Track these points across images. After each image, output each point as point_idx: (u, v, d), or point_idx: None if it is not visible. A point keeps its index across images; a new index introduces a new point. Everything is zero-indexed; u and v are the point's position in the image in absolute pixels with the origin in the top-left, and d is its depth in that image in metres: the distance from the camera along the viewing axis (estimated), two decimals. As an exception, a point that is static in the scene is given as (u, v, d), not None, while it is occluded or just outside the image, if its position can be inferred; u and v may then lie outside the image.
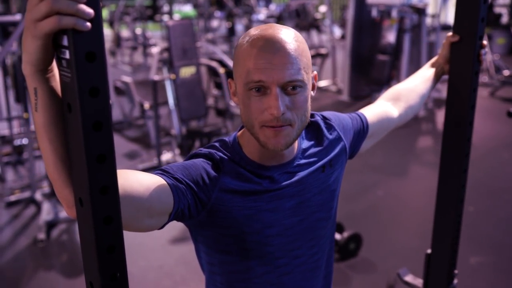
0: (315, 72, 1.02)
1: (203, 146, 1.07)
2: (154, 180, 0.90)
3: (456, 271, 1.55)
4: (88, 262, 0.77)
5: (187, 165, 0.99)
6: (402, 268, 1.71)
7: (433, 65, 1.44)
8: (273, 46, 0.91)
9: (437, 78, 1.43)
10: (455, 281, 1.55)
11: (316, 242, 1.13)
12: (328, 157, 1.12)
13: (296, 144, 1.06)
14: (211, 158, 1.01)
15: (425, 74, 1.42)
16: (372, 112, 1.29)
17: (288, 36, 0.94)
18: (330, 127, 1.16)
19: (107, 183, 0.71)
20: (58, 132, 0.71)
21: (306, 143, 1.11)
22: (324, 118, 1.17)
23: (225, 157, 1.02)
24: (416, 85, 1.39)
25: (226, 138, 1.07)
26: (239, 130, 1.08)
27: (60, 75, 0.68)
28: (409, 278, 1.67)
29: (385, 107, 1.32)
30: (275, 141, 0.94)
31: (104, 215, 0.72)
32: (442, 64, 1.41)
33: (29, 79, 0.69)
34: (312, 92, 1.01)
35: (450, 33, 1.36)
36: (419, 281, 1.64)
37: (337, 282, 2.93)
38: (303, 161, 1.07)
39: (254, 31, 0.96)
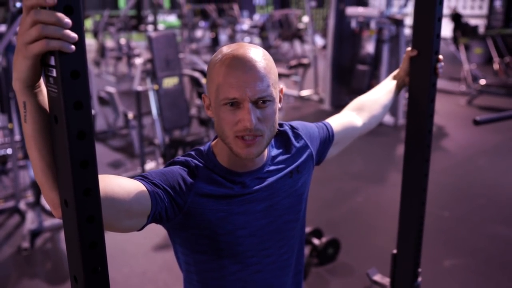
0: (281, 87, 1.12)
1: (180, 155, 1.16)
2: (133, 184, 0.98)
3: (420, 270, 1.65)
4: (72, 257, 0.85)
5: (165, 171, 1.07)
6: (371, 268, 1.81)
7: (394, 78, 1.55)
8: (244, 65, 1.00)
9: (398, 90, 1.55)
10: (419, 279, 1.65)
11: (285, 242, 1.22)
12: (296, 164, 1.21)
13: (266, 152, 1.15)
14: (187, 165, 1.10)
15: (387, 86, 1.53)
16: (337, 121, 1.40)
17: (258, 55, 1.03)
18: (297, 136, 1.25)
19: (90, 186, 0.80)
20: (45, 141, 0.80)
21: (275, 151, 1.20)
22: (292, 128, 1.26)
23: (200, 164, 1.11)
24: (379, 96, 1.50)
25: (201, 148, 1.17)
26: (213, 140, 1.17)
27: (48, 90, 0.77)
28: (377, 277, 1.77)
29: (349, 117, 1.43)
30: (247, 151, 1.04)
31: (87, 215, 0.81)
32: (403, 76, 1.53)
33: (19, 94, 0.78)
34: (279, 104, 1.10)
35: (409, 48, 1.48)
36: (387, 280, 1.74)
37: (316, 286, 3.03)
38: (272, 167, 1.16)
39: (225, 50, 1.04)
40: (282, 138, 1.23)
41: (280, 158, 1.20)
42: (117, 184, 0.95)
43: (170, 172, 1.07)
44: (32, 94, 0.78)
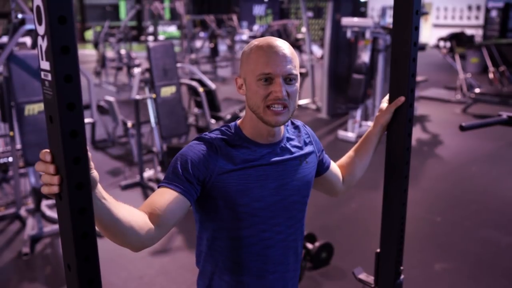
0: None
1: (210, 131, 1.37)
2: (172, 201, 1.20)
3: (402, 268, 1.72)
4: (66, 246, 0.93)
5: (192, 158, 1.26)
6: (357, 267, 1.88)
7: (371, 133, 1.61)
8: (276, 49, 1.25)
9: (378, 140, 1.63)
10: (402, 276, 1.72)
11: (293, 223, 1.39)
12: (304, 152, 1.42)
13: (283, 130, 1.38)
14: (211, 144, 1.29)
15: (367, 147, 1.63)
16: (334, 166, 1.60)
17: (284, 44, 1.29)
18: (307, 133, 1.48)
19: (82, 180, 0.88)
20: (105, 226, 1.04)
21: (290, 134, 1.42)
22: (304, 126, 1.50)
23: (224, 142, 1.30)
24: (357, 163, 1.64)
25: (229, 124, 1.38)
26: (238, 120, 1.39)
27: (44, 93, 0.85)
28: (362, 276, 1.83)
29: (339, 176, 1.62)
30: (276, 119, 1.26)
31: (79, 207, 0.89)
32: (384, 125, 1.57)
33: None
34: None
35: (385, 103, 1.55)
36: (371, 278, 1.81)
37: (309, 289, 3.09)
38: (287, 145, 1.38)
39: (257, 41, 1.29)
40: (296, 129, 1.46)
41: (293, 142, 1.41)
42: (161, 212, 1.18)
43: (197, 157, 1.26)
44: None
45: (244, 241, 1.33)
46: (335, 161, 1.65)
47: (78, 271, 0.92)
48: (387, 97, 1.58)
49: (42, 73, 0.84)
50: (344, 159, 1.66)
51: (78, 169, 0.87)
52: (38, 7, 0.80)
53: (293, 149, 1.39)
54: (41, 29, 0.81)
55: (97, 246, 0.94)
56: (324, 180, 1.56)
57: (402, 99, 1.50)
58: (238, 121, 1.38)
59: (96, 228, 1.02)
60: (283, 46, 1.27)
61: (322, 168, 1.53)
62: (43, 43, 0.82)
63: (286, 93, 1.24)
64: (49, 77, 0.82)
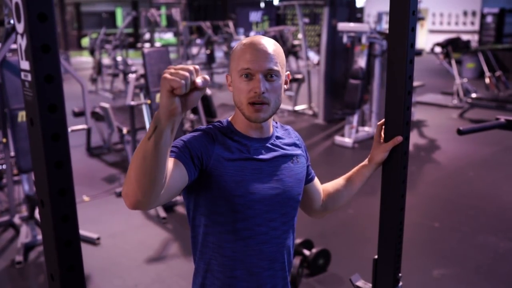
0: (288, 72, 1.37)
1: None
2: (173, 168, 1.16)
3: (400, 274, 1.68)
4: (49, 255, 0.89)
5: (191, 140, 1.26)
6: (354, 274, 1.84)
7: (365, 169, 1.59)
8: (258, 45, 1.28)
9: (370, 175, 1.60)
10: (400, 283, 1.68)
11: (287, 220, 1.39)
12: (296, 153, 1.44)
13: (271, 127, 1.40)
14: (207, 132, 1.32)
15: (356, 179, 1.60)
16: (318, 183, 1.59)
17: (268, 41, 1.31)
18: (297, 137, 1.51)
19: (64, 186, 0.84)
20: (156, 158, 0.96)
21: (280, 133, 1.44)
22: (294, 131, 1.53)
23: (219, 132, 1.34)
24: (341, 191, 1.61)
25: (221, 120, 1.41)
26: (229, 117, 1.41)
27: (24, 94, 0.82)
28: (360, 283, 1.79)
29: (320, 196, 1.60)
30: (257, 115, 1.29)
31: (62, 214, 0.85)
32: (380, 163, 1.55)
33: (158, 121, 0.94)
34: (285, 86, 1.35)
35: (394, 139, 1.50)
36: (369, 286, 1.77)
37: (306, 296, 3.05)
38: (277, 142, 1.41)
39: (245, 39, 1.33)
40: (286, 131, 1.48)
41: (284, 141, 1.44)
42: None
43: (195, 140, 1.28)
44: (166, 127, 0.94)
45: (239, 235, 1.32)
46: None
47: (61, 281, 0.88)
48: (382, 121, 1.53)
49: (22, 73, 0.81)
50: (331, 183, 1.64)
51: (61, 174, 0.83)
52: (16, 3, 0.77)
53: (284, 147, 1.41)
54: (20, 27, 0.78)
55: (82, 255, 0.90)
56: (304, 192, 1.51)
57: (399, 138, 1.47)
58: (230, 117, 1.41)
59: (144, 153, 0.97)
60: (266, 43, 1.29)
61: (307, 178, 1.51)
62: (22, 42, 0.78)
63: (266, 90, 1.26)
64: (29, 78, 0.78)
